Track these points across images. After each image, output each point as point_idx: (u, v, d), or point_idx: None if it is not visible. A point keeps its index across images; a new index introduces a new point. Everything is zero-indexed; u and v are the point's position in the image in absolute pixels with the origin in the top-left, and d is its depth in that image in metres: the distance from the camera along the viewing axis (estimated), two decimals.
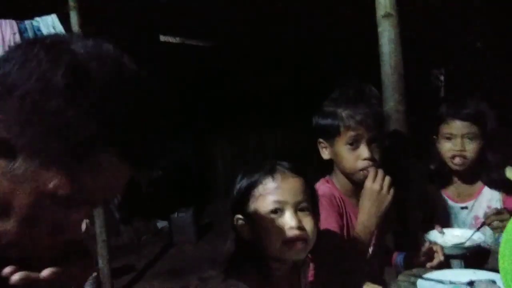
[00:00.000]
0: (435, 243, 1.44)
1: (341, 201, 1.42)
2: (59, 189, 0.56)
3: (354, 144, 1.35)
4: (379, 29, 1.73)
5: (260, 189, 1.06)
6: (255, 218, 1.06)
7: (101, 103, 0.54)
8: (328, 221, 1.33)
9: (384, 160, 1.43)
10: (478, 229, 1.57)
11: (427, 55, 5.97)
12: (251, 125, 6.94)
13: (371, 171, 1.33)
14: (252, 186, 1.07)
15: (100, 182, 0.58)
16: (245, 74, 6.47)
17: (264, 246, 1.06)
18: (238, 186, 1.10)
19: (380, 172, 1.33)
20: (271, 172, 1.08)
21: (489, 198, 1.70)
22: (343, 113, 1.36)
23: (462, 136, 1.63)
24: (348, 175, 1.42)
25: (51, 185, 0.55)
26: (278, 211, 1.05)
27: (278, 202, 1.05)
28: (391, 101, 1.71)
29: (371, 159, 1.35)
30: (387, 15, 1.70)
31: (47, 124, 0.52)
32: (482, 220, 1.68)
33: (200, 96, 6.44)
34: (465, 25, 5.49)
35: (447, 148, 1.67)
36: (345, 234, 1.39)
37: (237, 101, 6.55)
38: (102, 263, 3.63)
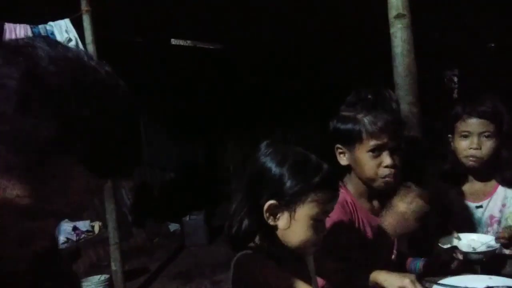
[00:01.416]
0: (454, 247, 1.42)
1: (353, 206, 1.41)
2: (20, 199, 0.53)
3: (376, 151, 1.32)
4: (392, 30, 1.71)
5: (312, 196, 1.06)
6: (297, 219, 1.07)
7: (59, 110, 0.51)
8: (340, 226, 1.33)
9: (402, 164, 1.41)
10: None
11: (441, 56, 5.91)
12: (262, 127, 6.94)
13: (402, 191, 1.30)
14: (305, 191, 1.06)
15: (65, 193, 0.55)
16: (256, 76, 6.47)
17: (292, 241, 1.09)
18: (280, 177, 1.07)
19: (412, 194, 1.30)
20: (327, 184, 1.08)
21: (503, 197, 1.69)
22: (365, 119, 1.32)
23: (479, 134, 1.62)
24: (368, 182, 1.39)
25: (12, 195, 0.53)
26: (320, 222, 1.09)
27: (326, 212, 1.10)
28: (405, 103, 1.69)
29: (394, 166, 1.32)
30: (399, 16, 1.68)
31: (1, 131, 0.50)
32: (497, 218, 1.67)
33: (210, 99, 6.46)
34: (478, 25, 5.42)
35: (463, 146, 1.65)
36: (356, 238, 1.38)
37: (248, 103, 6.55)
38: (115, 265, 3.65)
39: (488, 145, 1.62)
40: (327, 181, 1.08)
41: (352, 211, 1.39)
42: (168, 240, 5.41)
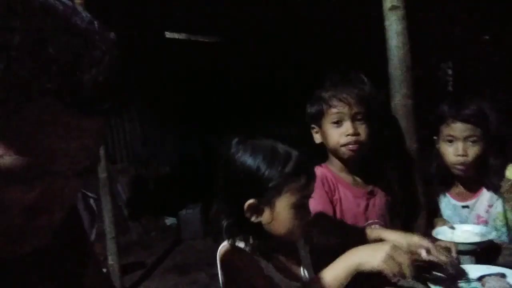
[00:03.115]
0: (447, 241, 1.43)
1: (332, 181, 1.48)
2: (2, 160, 0.47)
3: (338, 122, 1.42)
4: (386, 23, 1.70)
5: (288, 185, 1.06)
6: (278, 211, 1.06)
7: (30, 45, 0.45)
8: (317, 201, 1.37)
9: (391, 156, 1.43)
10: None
11: (435, 49, 5.91)
12: (258, 121, 6.92)
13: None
14: (281, 183, 1.05)
15: (48, 142, 0.48)
16: (252, 70, 6.46)
17: (278, 231, 1.09)
18: (253, 172, 1.05)
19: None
20: (300, 170, 1.07)
21: (489, 197, 1.67)
22: (327, 94, 1.44)
23: (464, 139, 1.58)
24: (334, 152, 1.48)
25: None
26: (302, 207, 1.09)
27: (306, 197, 1.10)
28: (399, 95, 1.69)
29: (354, 134, 1.41)
30: (394, 8, 1.67)
31: None
32: (484, 219, 1.65)
33: (206, 92, 6.44)
34: (472, 17, 5.42)
35: (448, 151, 1.62)
36: (335, 211, 1.46)
37: (244, 97, 6.54)
38: (111, 259, 3.65)
39: (474, 150, 1.58)
40: (299, 167, 1.07)
41: (330, 185, 1.46)
42: (165, 234, 5.43)
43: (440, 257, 1.18)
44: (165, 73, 5.93)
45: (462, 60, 6.23)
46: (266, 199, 1.06)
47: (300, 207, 1.08)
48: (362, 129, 1.42)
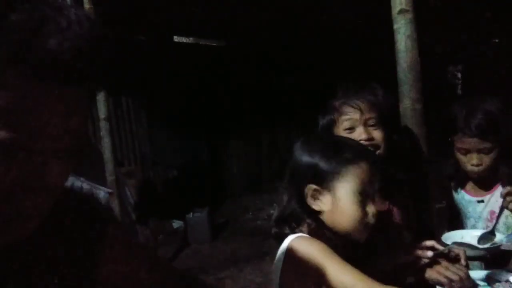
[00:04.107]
0: (456, 247, 1.41)
1: None
2: None
3: (351, 128, 1.39)
4: (395, 26, 1.69)
5: (349, 170, 1.08)
6: (339, 197, 1.09)
7: None
8: None
9: (403, 159, 1.42)
10: (498, 217, 1.54)
11: (444, 52, 5.89)
12: (264, 125, 6.93)
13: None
14: (340, 166, 1.09)
15: (26, 116, 0.47)
16: (258, 73, 6.47)
17: (341, 223, 1.10)
18: (313, 161, 1.10)
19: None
20: (361, 156, 1.11)
21: None
22: (337, 103, 1.42)
23: (478, 151, 1.60)
24: None
25: None
26: (365, 197, 1.10)
27: (371, 183, 1.11)
28: (408, 99, 1.67)
29: (368, 139, 1.37)
30: (403, 12, 1.66)
31: None
32: (498, 214, 1.65)
33: (214, 96, 6.46)
34: (481, 21, 5.39)
35: (463, 161, 1.65)
36: None
37: (250, 101, 6.55)
38: None
39: (489, 159, 1.60)
40: (357, 153, 1.11)
41: None
42: (172, 237, 5.43)
43: (459, 272, 1.19)
44: (173, 76, 5.95)
45: (472, 63, 6.20)
46: (327, 184, 1.09)
47: (363, 196, 1.08)
48: (376, 133, 1.39)
